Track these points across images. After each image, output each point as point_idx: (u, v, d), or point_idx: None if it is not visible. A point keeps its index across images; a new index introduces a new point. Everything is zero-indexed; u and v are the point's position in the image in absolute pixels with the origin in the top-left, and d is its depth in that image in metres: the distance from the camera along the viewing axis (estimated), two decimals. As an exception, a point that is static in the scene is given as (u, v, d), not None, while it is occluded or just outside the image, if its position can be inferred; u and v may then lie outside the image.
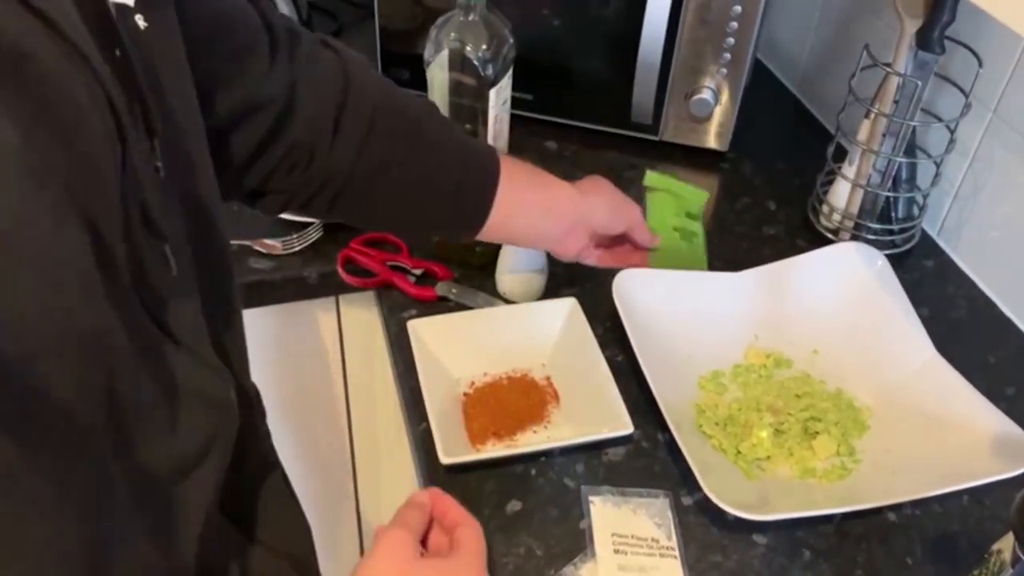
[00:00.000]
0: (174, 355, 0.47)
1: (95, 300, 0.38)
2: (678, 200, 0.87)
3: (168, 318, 0.47)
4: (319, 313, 1.03)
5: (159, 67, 0.48)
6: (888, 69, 0.92)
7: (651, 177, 0.86)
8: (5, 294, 0.34)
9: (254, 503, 0.63)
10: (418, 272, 0.92)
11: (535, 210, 0.77)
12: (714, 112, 1.08)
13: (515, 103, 1.01)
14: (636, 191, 1.08)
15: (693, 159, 1.12)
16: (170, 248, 0.47)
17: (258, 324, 0.99)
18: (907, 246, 1.01)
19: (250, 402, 0.61)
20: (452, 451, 0.72)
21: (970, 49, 0.91)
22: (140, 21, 0.46)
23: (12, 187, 0.33)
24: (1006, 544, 0.58)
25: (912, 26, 0.89)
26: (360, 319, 1.04)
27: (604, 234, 0.82)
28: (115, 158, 0.40)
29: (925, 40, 0.88)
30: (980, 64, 0.89)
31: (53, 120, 0.35)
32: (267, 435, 0.68)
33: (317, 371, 1.09)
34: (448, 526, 0.62)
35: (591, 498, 0.72)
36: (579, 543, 0.69)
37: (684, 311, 0.85)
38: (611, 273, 0.84)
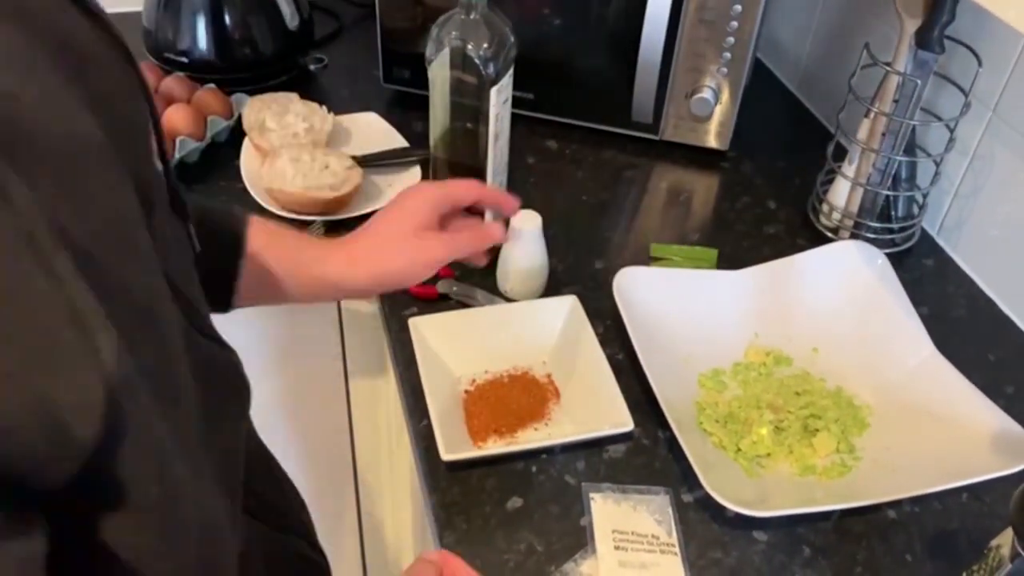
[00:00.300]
0: (196, 335, 0.47)
1: (151, 279, 0.39)
2: (689, 263, 0.88)
3: (189, 296, 0.47)
4: (320, 311, 1.04)
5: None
6: (888, 68, 0.92)
7: (657, 249, 0.87)
8: (118, 274, 0.34)
9: (259, 487, 0.63)
10: (419, 270, 0.92)
11: (302, 284, 0.71)
12: (714, 111, 1.08)
13: (516, 102, 1.01)
14: (637, 190, 1.09)
15: (693, 158, 1.13)
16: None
17: (258, 323, 0.99)
18: (907, 245, 1.01)
19: None
20: (453, 448, 0.72)
21: (970, 48, 0.91)
22: None
23: (103, 181, 0.34)
24: (1005, 540, 0.58)
25: (912, 25, 0.89)
26: (361, 317, 1.04)
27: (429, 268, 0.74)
28: (151, 141, 0.41)
29: (925, 39, 0.88)
30: (980, 63, 0.89)
31: (115, 113, 0.36)
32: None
33: (318, 369, 1.10)
34: None
35: (592, 495, 0.72)
36: (580, 540, 0.69)
37: (684, 309, 0.85)
38: (612, 271, 0.84)
